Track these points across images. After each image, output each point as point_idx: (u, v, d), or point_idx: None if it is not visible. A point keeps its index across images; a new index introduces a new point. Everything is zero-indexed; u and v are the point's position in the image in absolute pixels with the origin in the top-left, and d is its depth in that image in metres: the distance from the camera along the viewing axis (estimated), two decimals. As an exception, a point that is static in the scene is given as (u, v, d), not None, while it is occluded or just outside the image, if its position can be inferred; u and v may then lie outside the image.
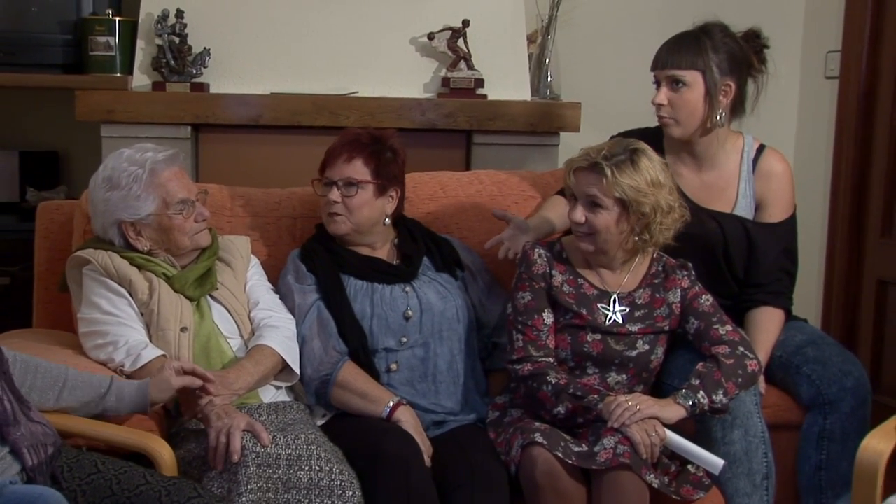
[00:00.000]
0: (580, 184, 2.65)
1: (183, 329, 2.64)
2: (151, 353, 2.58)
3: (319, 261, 2.84)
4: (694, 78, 2.85)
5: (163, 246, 2.72)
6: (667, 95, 2.87)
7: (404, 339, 2.79)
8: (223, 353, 2.68)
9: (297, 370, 2.71)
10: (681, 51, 2.86)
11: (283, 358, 2.67)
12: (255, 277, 2.86)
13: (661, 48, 2.91)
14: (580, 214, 2.65)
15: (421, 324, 2.80)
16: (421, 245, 2.94)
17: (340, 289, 2.81)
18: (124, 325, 2.61)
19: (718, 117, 2.87)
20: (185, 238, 2.72)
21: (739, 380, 2.61)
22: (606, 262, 2.72)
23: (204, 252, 2.78)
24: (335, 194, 2.83)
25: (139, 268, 2.69)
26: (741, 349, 2.66)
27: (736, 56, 2.87)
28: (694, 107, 2.86)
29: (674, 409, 2.55)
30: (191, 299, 2.70)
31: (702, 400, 2.56)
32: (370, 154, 2.85)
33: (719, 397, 2.57)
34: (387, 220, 2.90)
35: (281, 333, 2.71)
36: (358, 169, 2.83)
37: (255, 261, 2.91)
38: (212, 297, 2.75)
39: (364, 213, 2.85)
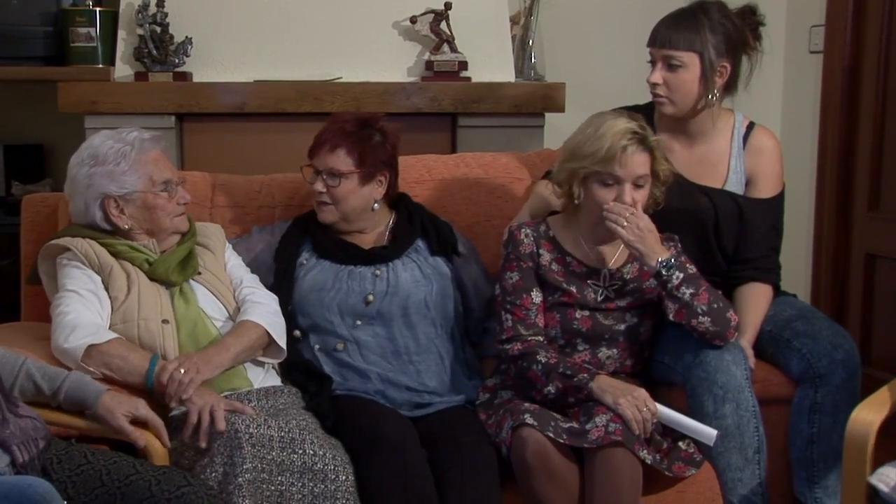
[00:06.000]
0: (633, 164, 2.63)
1: (165, 321, 2.61)
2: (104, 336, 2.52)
3: (288, 245, 2.88)
4: (691, 59, 2.83)
5: (144, 226, 2.69)
6: (662, 75, 2.86)
7: (359, 322, 2.79)
8: (211, 337, 2.65)
9: (283, 345, 2.70)
10: (678, 30, 2.84)
11: (267, 332, 2.66)
12: (233, 258, 2.86)
13: (658, 25, 2.89)
14: (629, 196, 2.63)
15: (381, 305, 2.80)
16: (416, 227, 2.93)
17: (290, 277, 2.85)
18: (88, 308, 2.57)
19: (712, 97, 2.87)
20: (166, 219, 2.70)
21: (715, 306, 2.65)
22: (606, 235, 2.71)
23: (184, 237, 2.76)
24: (320, 185, 2.84)
25: (118, 255, 2.66)
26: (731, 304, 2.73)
27: (732, 36, 2.86)
28: (689, 87, 2.86)
29: (656, 251, 2.64)
30: (173, 285, 2.67)
31: (675, 279, 2.64)
32: (354, 142, 2.83)
33: (687, 290, 2.63)
34: (375, 205, 2.90)
35: (264, 308, 2.70)
36: (341, 159, 2.83)
37: (228, 245, 2.91)
38: (195, 281, 2.73)
39: (350, 201, 2.85)
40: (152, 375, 2.46)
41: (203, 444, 2.37)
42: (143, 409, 2.35)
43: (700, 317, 2.64)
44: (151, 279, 2.66)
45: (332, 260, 2.86)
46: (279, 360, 2.73)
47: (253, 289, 2.77)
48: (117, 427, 2.31)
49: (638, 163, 2.63)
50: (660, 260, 2.63)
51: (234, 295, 2.76)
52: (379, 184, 2.88)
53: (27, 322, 3.02)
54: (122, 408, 2.33)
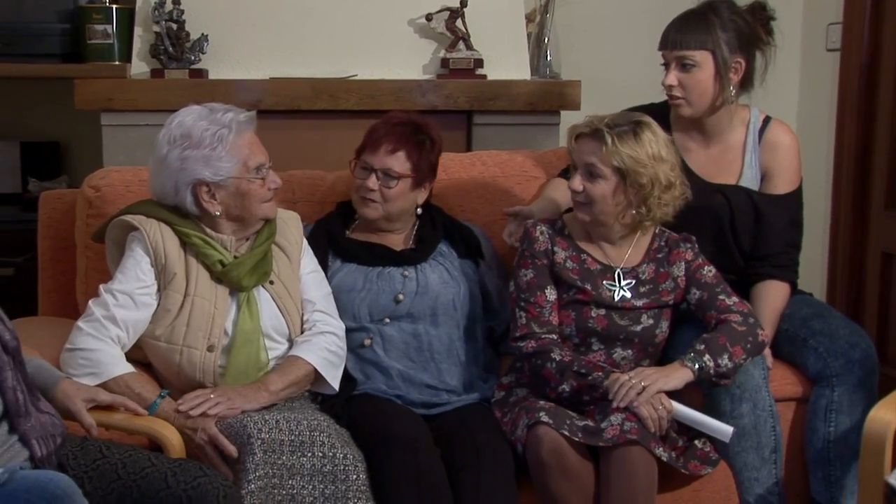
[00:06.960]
0: (581, 151, 2.65)
1: (210, 348, 2.52)
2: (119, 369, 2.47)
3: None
4: (704, 58, 2.82)
5: (233, 212, 2.57)
6: (677, 77, 2.85)
7: (387, 320, 2.78)
8: (260, 368, 2.57)
9: (336, 383, 2.62)
10: (689, 30, 2.83)
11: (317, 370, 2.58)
12: (310, 268, 2.74)
13: (668, 27, 2.88)
14: (578, 183, 2.64)
15: (412, 305, 2.80)
16: (439, 231, 2.93)
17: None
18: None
19: (730, 94, 2.86)
20: (257, 205, 2.58)
21: (748, 346, 2.60)
22: (605, 234, 2.71)
23: (261, 233, 2.64)
24: (373, 182, 2.82)
25: (187, 247, 2.55)
26: (752, 319, 2.67)
27: (744, 32, 2.85)
28: (705, 87, 2.85)
29: (680, 375, 2.55)
30: (244, 289, 2.57)
31: (708, 363, 2.56)
32: (413, 146, 2.83)
33: (724, 361, 2.57)
34: (418, 210, 2.91)
35: (323, 343, 2.61)
36: (400, 161, 2.82)
37: (305, 243, 2.78)
38: (264, 289, 2.62)
39: (398, 203, 2.84)
40: (155, 407, 2.42)
41: (235, 454, 2.35)
42: (103, 394, 2.35)
43: (745, 362, 2.63)
44: (218, 281, 2.57)
45: (358, 262, 2.84)
46: (330, 393, 2.64)
47: (323, 314, 2.67)
48: (75, 412, 2.27)
49: (583, 150, 2.63)
50: (686, 365, 2.57)
51: (303, 317, 2.66)
52: (424, 189, 2.90)
53: (44, 317, 3.04)
54: (81, 394, 2.32)
